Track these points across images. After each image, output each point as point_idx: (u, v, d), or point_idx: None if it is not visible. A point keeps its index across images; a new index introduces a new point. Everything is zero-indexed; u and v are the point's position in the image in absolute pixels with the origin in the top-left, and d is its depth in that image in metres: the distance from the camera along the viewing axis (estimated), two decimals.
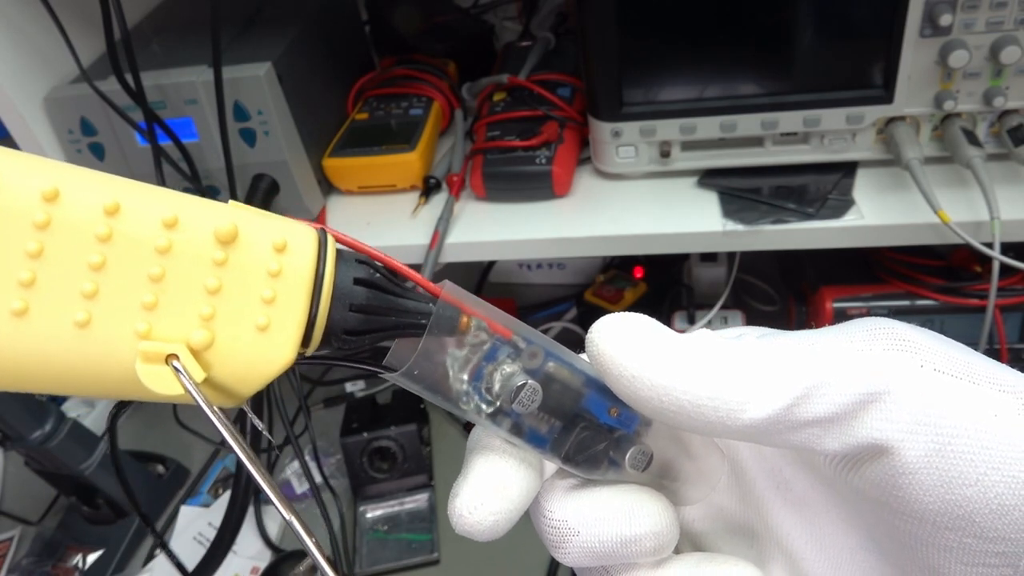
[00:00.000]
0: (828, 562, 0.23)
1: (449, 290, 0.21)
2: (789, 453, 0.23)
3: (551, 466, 0.23)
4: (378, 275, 0.21)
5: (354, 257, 0.21)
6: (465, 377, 0.21)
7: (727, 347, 0.20)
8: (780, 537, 0.24)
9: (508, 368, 0.21)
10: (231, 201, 0.20)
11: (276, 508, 0.19)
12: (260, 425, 0.22)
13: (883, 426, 0.18)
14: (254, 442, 0.70)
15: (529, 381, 0.21)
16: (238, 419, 0.59)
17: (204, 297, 0.19)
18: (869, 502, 0.20)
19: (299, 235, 0.20)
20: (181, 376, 0.18)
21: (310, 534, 0.19)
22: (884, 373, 0.18)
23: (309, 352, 0.20)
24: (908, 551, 0.20)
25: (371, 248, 0.21)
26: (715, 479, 0.24)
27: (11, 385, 0.18)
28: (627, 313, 0.20)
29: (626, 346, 0.19)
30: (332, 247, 0.20)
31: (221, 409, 0.19)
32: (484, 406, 0.21)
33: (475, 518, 0.20)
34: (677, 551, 0.23)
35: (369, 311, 0.20)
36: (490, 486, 0.21)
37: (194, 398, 0.18)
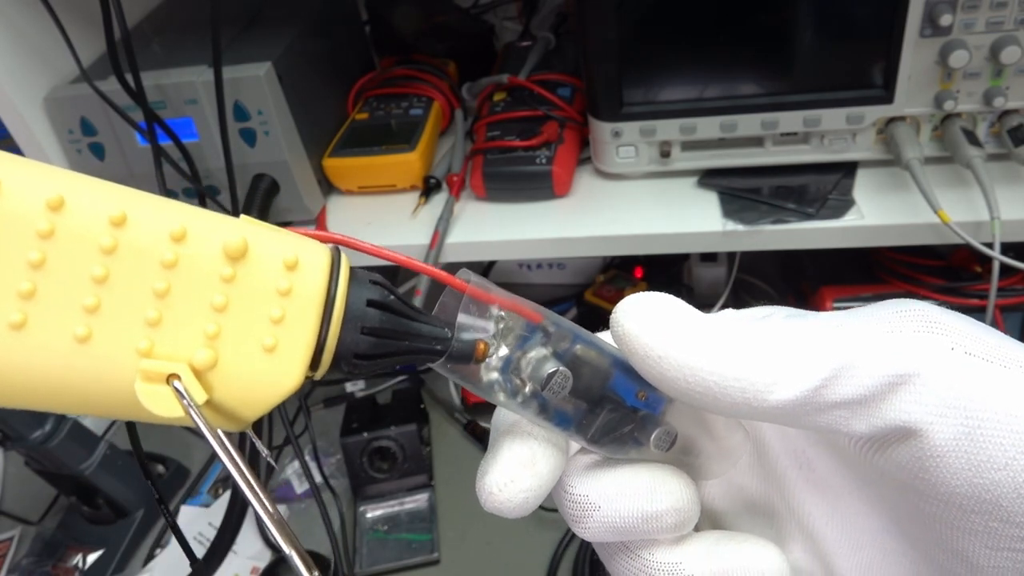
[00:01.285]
0: (849, 543, 0.23)
1: (475, 284, 0.20)
2: (812, 434, 0.23)
3: (574, 444, 0.23)
4: (392, 297, 0.20)
5: (368, 277, 0.20)
6: (497, 365, 0.21)
7: (754, 327, 0.19)
8: (801, 517, 0.24)
9: (538, 355, 0.21)
10: (242, 215, 0.19)
11: (276, 542, 0.18)
12: (264, 451, 0.22)
13: (912, 408, 0.18)
14: (252, 458, 0.70)
15: (560, 368, 0.21)
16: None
17: (210, 315, 0.18)
18: (894, 484, 0.20)
19: (311, 253, 0.19)
20: (182, 397, 0.17)
21: (310, 569, 0.18)
22: (914, 355, 0.18)
23: (318, 376, 0.20)
24: (932, 533, 0.20)
25: (385, 250, 0.21)
26: (737, 457, 0.24)
27: (5, 400, 0.17)
28: (652, 293, 0.20)
29: (652, 326, 0.19)
30: (345, 266, 0.20)
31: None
32: (515, 392, 0.21)
33: (505, 495, 0.20)
34: (697, 529, 0.23)
35: (382, 334, 0.20)
36: (519, 463, 0.21)
37: (195, 421, 0.18)
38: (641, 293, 0.20)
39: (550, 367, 0.21)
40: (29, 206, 0.16)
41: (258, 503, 0.18)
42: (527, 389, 0.21)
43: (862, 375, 0.18)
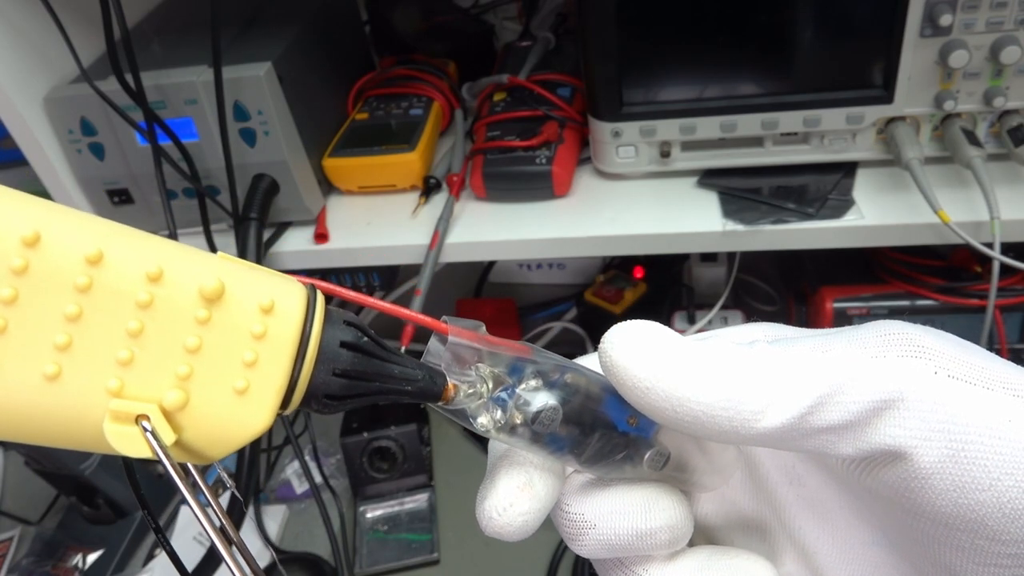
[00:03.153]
0: (840, 556, 0.23)
1: (460, 326, 0.21)
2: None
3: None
4: (365, 339, 0.20)
5: (342, 318, 0.20)
6: (483, 403, 0.21)
7: (740, 355, 0.20)
8: (792, 531, 0.24)
9: (526, 390, 0.21)
10: (219, 253, 0.19)
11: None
12: (229, 483, 0.23)
13: (897, 432, 0.18)
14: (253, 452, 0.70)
15: (548, 403, 0.21)
16: None
17: (182, 356, 0.18)
18: (882, 501, 0.20)
19: (287, 295, 0.19)
20: (150, 439, 0.17)
21: None
22: (898, 380, 0.18)
23: (287, 412, 0.20)
24: (921, 548, 0.20)
25: (367, 297, 0.21)
26: (730, 472, 0.24)
27: None
28: (638, 322, 0.20)
29: (638, 357, 0.19)
30: (321, 307, 0.20)
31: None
32: (505, 427, 0.21)
33: (505, 519, 0.21)
34: (691, 544, 0.24)
35: (353, 376, 0.20)
36: (516, 487, 0.21)
37: (162, 462, 0.18)
38: (627, 322, 0.20)
39: (538, 402, 0.21)
40: (2, 241, 0.16)
41: (222, 546, 0.18)
42: (517, 423, 0.21)
43: (848, 401, 0.19)
